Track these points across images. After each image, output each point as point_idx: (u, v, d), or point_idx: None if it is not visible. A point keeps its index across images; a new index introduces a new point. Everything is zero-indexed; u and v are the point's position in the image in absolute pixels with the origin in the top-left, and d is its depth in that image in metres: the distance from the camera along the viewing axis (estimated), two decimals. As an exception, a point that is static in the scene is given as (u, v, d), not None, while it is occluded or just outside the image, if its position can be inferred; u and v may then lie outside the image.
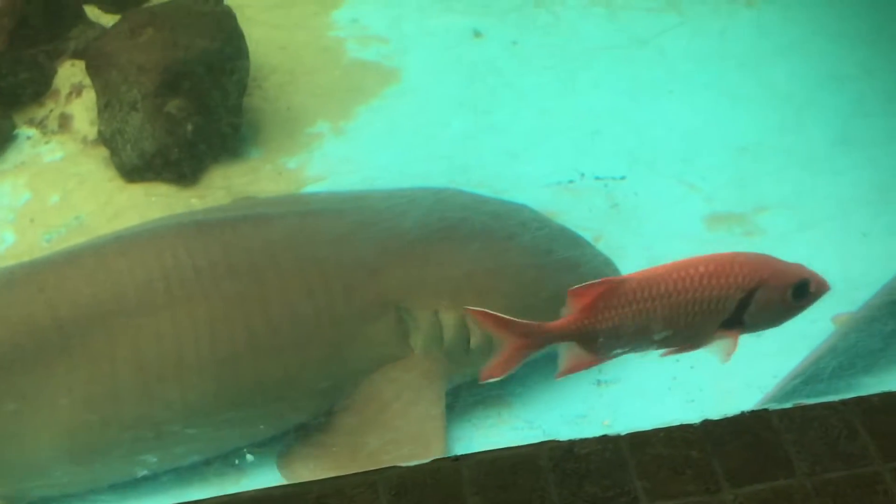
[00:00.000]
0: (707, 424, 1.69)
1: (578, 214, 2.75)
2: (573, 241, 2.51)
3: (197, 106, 2.94)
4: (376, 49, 3.42)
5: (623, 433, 1.74)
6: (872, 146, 2.93)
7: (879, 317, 2.32)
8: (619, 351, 1.74)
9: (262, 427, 2.24)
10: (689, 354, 2.49)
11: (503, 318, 1.66)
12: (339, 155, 3.06)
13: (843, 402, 1.70)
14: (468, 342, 2.28)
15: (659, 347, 1.76)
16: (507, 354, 1.73)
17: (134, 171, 2.96)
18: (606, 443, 1.72)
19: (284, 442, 2.28)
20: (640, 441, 1.73)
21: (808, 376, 2.27)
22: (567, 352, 1.74)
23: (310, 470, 2.17)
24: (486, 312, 1.66)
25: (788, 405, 1.73)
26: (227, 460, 2.26)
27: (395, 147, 3.08)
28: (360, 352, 2.24)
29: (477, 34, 3.45)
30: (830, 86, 3.15)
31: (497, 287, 2.32)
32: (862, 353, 2.28)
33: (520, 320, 1.68)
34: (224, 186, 2.97)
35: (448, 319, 2.26)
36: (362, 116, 3.18)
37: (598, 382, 2.46)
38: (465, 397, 2.40)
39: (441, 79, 3.29)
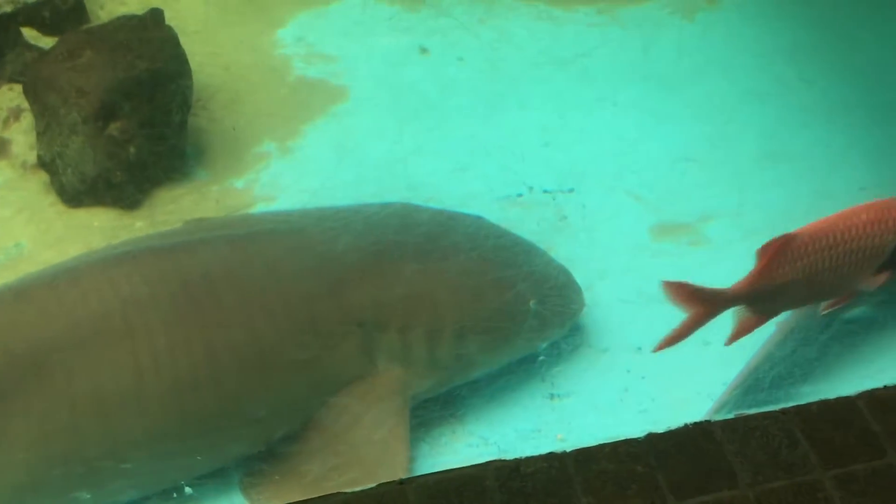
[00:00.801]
0: (652, 438, 1.69)
1: (528, 227, 2.75)
2: (529, 250, 2.52)
3: (140, 127, 2.90)
4: (323, 67, 3.40)
5: (569, 450, 1.74)
6: (799, 159, 2.98)
7: (813, 325, 2.35)
8: (787, 306, 1.86)
9: (226, 453, 2.20)
10: (639, 364, 2.54)
11: (694, 288, 1.82)
12: (288, 174, 3.03)
13: (784, 412, 1.72)
14: (432, 357, 2.28)
15: (824, 298, 1.82)
16: (688, 323, 1.93)
17: (76, 196, 2.90)
18: (552, 460, 1.71)
19: (248, 467, 2.24)
20: (585, 457, 1.74)
21: (749, 386, 2.29)
22: (737, 315, 1.89)
23: (273, 496, 2.14)
24: (682, 284, 1.75)
25: (730, 416, 1.75)
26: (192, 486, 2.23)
27: (344, 164, 3.06)
28: (324, 373, 2.22)
29: (423, 51, 3.46)
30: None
31: (458, 299, 2.31)
32: (799, 362, 2.32)
33: (705, 288, 1.86)
34: (170, 209, 2.93)
35: (412, 335, 2.25)
36: (310, 135, 3.16)
37: (552, 396, 2.46)
38: (419, 415, 2.39)
39: (388, 95, 3.28)
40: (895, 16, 3.50)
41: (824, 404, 1.73)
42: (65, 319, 2.07)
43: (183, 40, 3.12)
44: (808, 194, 2.88)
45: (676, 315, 2.60)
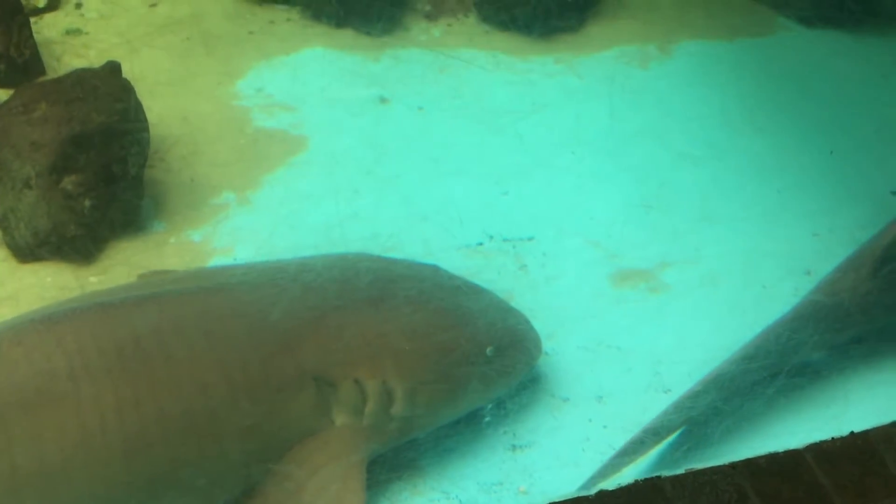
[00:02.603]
0: (602, 495, 1.66)
1: (488, 276, 2.75)
2: (486, 298, 2.51)
3: (95, 181, 2.86)
4: (282, 117, 3.40)
5: None
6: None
7: (759, 380, 2.37)
8: None
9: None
10: (601, 413, 2.52)
11: None
12: (246, 225, 3.00)
13: (733, 466, 1.70)
14: (390, 409, 2.24)
15: None
16: None
17: (28, 251, 2.85)
18: None
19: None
20: None
21: (697, 440, 2.28)
22: None
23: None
24: None
25: (680, 471, 1.72)
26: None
27: (304, 215, 3.04)
28: (279, 428, 2.17)
29: (383, 100, 3.48)
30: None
31: (415, 349, 2.29)
32: (748, 416, 2.34)
33: None
34: (126, 263, 2.88)
35: (368, 388, 2.21)
36: (269, 185, 3.14)
37: (513, 447, 2.43)
38: (378, 470, 2.34)
39: (348, 145, 3.29)
40: (850, 72, 3.60)
41: (773, 458, 1.71)
42: (6, 379, 2.01)
43: (141, 92, 3.12)
44: (768, 237, 2.92)
45: (638, 363, 2.62)
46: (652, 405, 2.48)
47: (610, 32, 3.75)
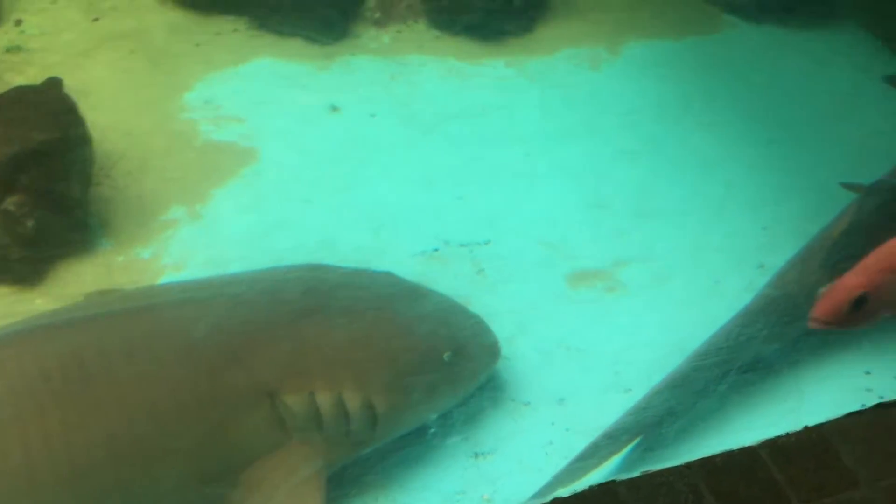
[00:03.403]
0: (557, 503, 1.64)
1: (445, 282, 2.72)
2: (442, 303, 2.48)
3: (38, 201, 2.78)
4: (231, 129, 3.34)
5: None
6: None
7: (712, 378, 2.36)
8: None
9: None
10: (562, 415, 2.51)
11: None
12: (197, 240, 2.94)
13: (688, 466, 1.69)
14: (347, 421, 2.20)
15: None
16: None
17: (-30, 275, 2.76)
18: None
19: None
20: None
21: (652, 441, 2.27)
22: None
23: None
24: None
25: (636, 473, 1.71)
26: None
27: (256, 227, 2.99)
28: (234, 447, 2.12)
29: (334, 109, 3.44)
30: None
31: (370, 358, 2.25)
32: (702, 415, 2.33)
33: None
34: (72, 283, 2.80)
35: (324, 400, 2.17)
36: (219, 199, 3.08)
37: (475, 455, 2.40)
38: (337, 484, 2.30)
39: (300, 155, 3.24)
40: (795, 67, 3.64)
41: (728, 456, 1.71)
42: None
43: (84, 108, 3.04)
44: (720, 233, 2.93)
45: (597, 364, 2.61)
46: (613, 405, 2.47)
47: (560, 34, 3.76)
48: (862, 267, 1.86)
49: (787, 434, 1.74)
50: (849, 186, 2.72)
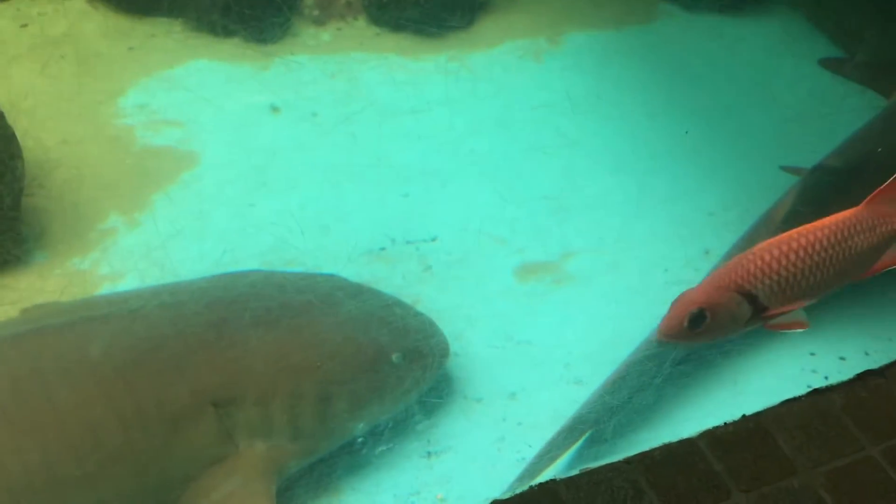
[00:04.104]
0: None
1: (393, 281, 2.70)
2: (388, 303, 2.44)
3: (-35, 214, 2.68)
4: (169, 133, 3.26)
5: None
6: (654, 188, 3.05)
7: (645, 370, 2.37)
8: None
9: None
10: (514, 410, 2.49)
11: None
12: (137, 248, 2.86)
13: (628, 461, 1.68)
14: (296, 427, 2.15)
15: None
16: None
17: None
18: None
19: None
20: None
21: (590, 438, 2.28)
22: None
23: None
24: None
25: (575, 472, 1.69)
26: None
27: (198, 233, 2.92)
28: (179, 460, 2.06)
29: (274, 109, 3.38)
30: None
31: (318, 360, 2.20)
32: (638, 408, 2.33)
33: None
34: (6, 298, 2.70)
35: (271, 406, 2.12)
36: (159, 205, 3.00)
37: (428, 454, 2.38)
38: (289, 492, 2.25)
39: (241, 158, 3.18)
40: (730, 54, 3.68)
41: (667, 449, 1.70)
42: None
43: (14, 117, 2.93)
44: (666, 220, 2.95)
45: (547, 357, 2.60)
46: (564, 398, 2.47)
47: (501, 28, 3.75)
48: (704, 282, 1.78)
49: (726, 424, 1.73)
50: (789, 169, 2.75)
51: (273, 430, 2.12)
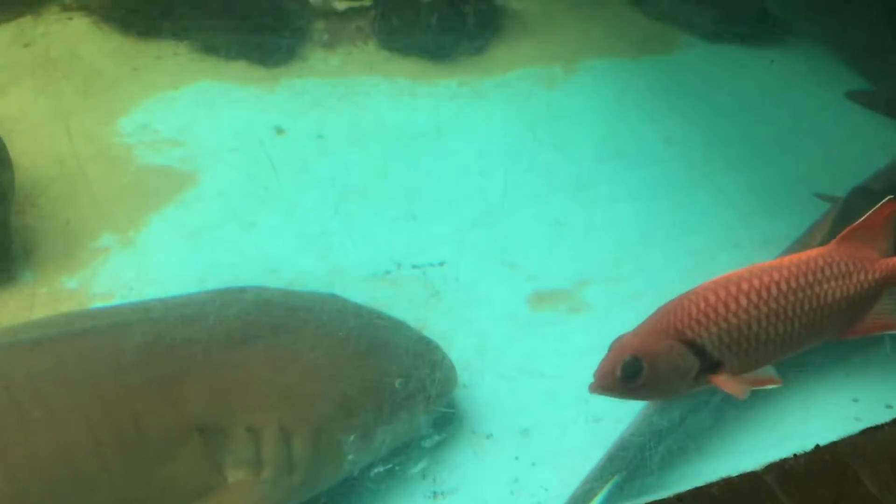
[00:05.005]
0: None
1: (398, 306, 2.52)
2: (391, 326, 2.29)
3: (-48, 228, 2.55)
4: (169, 153, 3.14)
5: None
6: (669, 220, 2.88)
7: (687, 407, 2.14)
8: None
9: None
10: (528, 448, 2.31)
11: None
12: (129, 268, 2.72)
13: (679, 498, 1.44)
14: (291, 458, 1.97)
15: None
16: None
17: None
18: None
19: None
20: None
21: (634, 468, 2.05)
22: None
23: None
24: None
25: None
26: None
27: (195, 253, 2.78)
28: (161, 491, 1.87)
29: (279, 131, 3.26)
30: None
31: (314, 387, 2.03)
32: (691, 433, 2.07)
33: None
34: (-9, 316, 2.56)
35: (264, 435, 1.94)
36: (155, 224, 2.87)
37: (434, 494, 2.19)
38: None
39: (242, 179, 3.05)
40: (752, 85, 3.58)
41: (727, 484, 1.45)
42: None
43: (11, 135, 2.86)
44: (686, 251, 2.80)
45: (563, 390, 2.42)
46: (582, 435, 2.28)
47: (513, 54, 3.65)
48: (640, 326, 1.46)
49: (796, 456, 1.49)
50: (823, 197, 2.61)
51: (265, 462, 1.94)
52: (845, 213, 2.40)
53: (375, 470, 2.16)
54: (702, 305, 1.43)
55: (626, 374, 1.42)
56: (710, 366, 1.42)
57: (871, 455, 1.49)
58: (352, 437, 2.03)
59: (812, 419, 2.30)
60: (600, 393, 1.46)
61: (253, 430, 1.93)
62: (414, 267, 2.71)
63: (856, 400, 2.36)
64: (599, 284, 2.68)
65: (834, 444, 1.51)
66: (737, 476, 1.49)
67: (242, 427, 1.92)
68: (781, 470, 1.48)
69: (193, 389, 1.89)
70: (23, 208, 2.88)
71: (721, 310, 1.41)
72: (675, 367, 1.41)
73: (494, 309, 2.59)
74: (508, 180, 3.04)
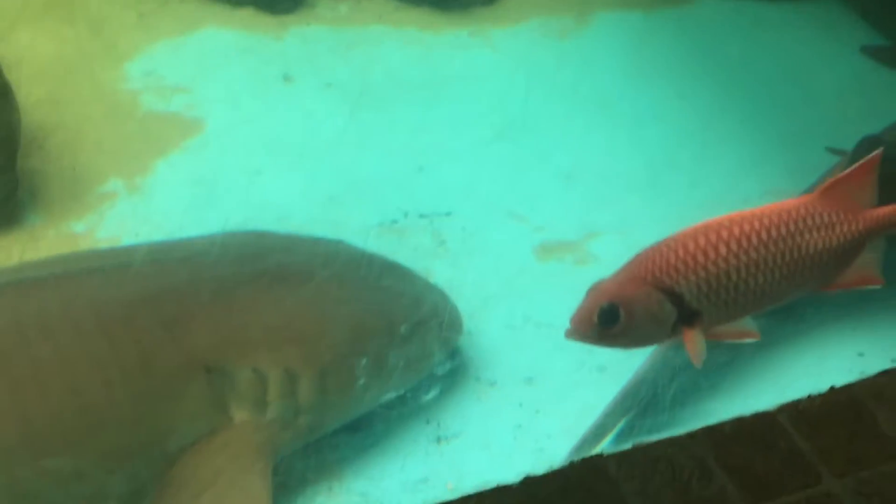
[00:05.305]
0: (529, 483, 1.38)
1: (404, 254, 2.51)
2: (397, 272, 2.28)
3: (-44, 170, 2.54)
4: (176, 100, 3.11)
5: None
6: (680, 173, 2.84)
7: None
8: None
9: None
10: (532, 396, 2.32)
11: None
12: (136, 213, 2.71)
13: (691, 436, 1.43)
14: (296, 400, 1.98)
15: None
16: None
17: None
18: None
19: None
20: None
21: (645, 406, 2.05)
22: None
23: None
24: None
25: (627, 446, 1.46)
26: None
27: (201, 199, 2.77)
28: (167, 429, 1.89)
29: (287, 79, 3.23)
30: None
31: (321, 329, 2.04)
32: (705, 371, 2.06)
33: None
34: (-3, 259, 2.56)
35: (269, 376, 1.94)
36: (161, 170, 2.86)
37: (438, 439, 2.20)
38: (286, 471, 2.08)
39: (249, 126, 3.03)
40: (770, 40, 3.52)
41: (740, 423, 1.43)
42: None
43: (15, 77, 2.81)
44: (695, 204, 2.77)
45: (568, 341, 2.42)
46: (586, 385, 2.29)
47: (526, 4, 3.57)
48: (617, 272, 1.44)
49: (811, 397, 1.47)
50: (835, 151, 2.57)
51: (270, 402, 1.95)
52: (852, 164, 2.37)
53: (380, 414, 2.18)
54: (680, 253, 1.39)
55: (603, 320, 1.38)
56: (689, 315, 1.39)
57: (888, 396, 1.47)
58: (357, 381, 2.04)
59: (814, 375, 2.30)
60: (576, 339, 1.42)
61: (259, 372, 1.94)
62: (421, 216, 2.69)
63: (861, 354, 2.36)
64: (607, 236, 2.66)
65: (850, 386, 1.50)
66: (749, 415, 1.48)
67: (248, 368, 1.92)
68: (795, 410, 1.46)
69: (200, 329, 1.90)
70: (28, 152, 2.87)
71: (700, 258, 1.38)
72: (653, 314, 1.37)
73: (501, 259, 2.58)
74: (516, 131, 3.01)
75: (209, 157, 2.90)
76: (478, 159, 2.93)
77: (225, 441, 1.92)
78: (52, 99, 3.07)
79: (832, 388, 1.50)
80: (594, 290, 1.43)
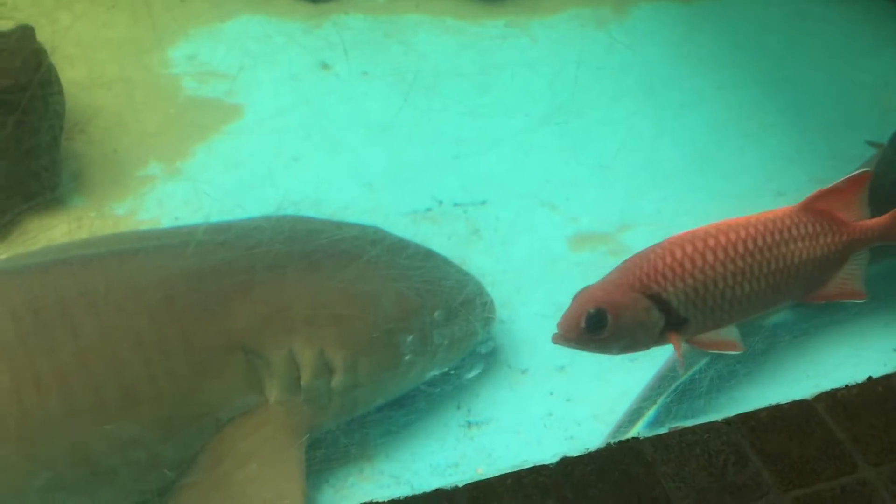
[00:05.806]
0: (566, 464, 1.40)
1: (438, 242, 2.54)
2: (432, 259, 2.30)
3: (3, 150, 2.60)
4: (216, 85, 3.16)
5: (461, 484, 1.44)
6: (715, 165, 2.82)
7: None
8: None
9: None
10: (563, 385, 2.32)
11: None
12: (176, 196, 2.76)
13: (728, 422, 1.43)
14: (330, 382, 2.01)
15: None
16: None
17: (-71, 227, 2.58)
18: (441, 499, 1.42)
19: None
20: (481, 493, 1.43)
21: (682, 391, 2.05)
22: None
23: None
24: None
25: (663, 430, 1.46)
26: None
27: (239, 184, 2.81)
28: (204, 408, 1.93)
29: (325, 66, 3.26)
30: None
31: (356, 314, 2.06)
32: (742, 358, 2.05)
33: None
34: (40, 239, 2.62)
35: (305, 358, 1.98)
36: (201, 155, 2.90)
37: (469, 424, 2.22)
38: (319, 452, 2.11)
39: (287, 113, 3.06)
40: (811, 32, 3.48)
41: (776, 411, 1.44)
42: None
43: (61, 60, 2.87)
44: (730, 196, 2.76)
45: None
46: (618, 375, 2.29)
47: (564, -5, 3.59)
48: (605, 278, 1.46)
49: (848, 386, 1.47)
50: (875, 144, 2.54)
51: (305, 384, 1.99)
52: (887, 157, 2.35)
53: (411, 398, 2.20)
54: (668, 260, 1.41)
55: (590, 325, 1.40)
56: (676, 322, 1.40)
57: (925, 388, 1.47)
58: (389, 365, 2.07)
59: (850, 366, 2.27)
60: (563, 344, 1.43)
61: (294, 354, 1.97)
62: (455, 205, 2.71)
63: (897, 350, 2.34)
64: (640, 228, 2.65)
65: (887, 377, 1.49)
66: (786, 403, 1.47)
67: (285, 349, 1.96)
68: (833, 399, 1.46)
69: (238, 310, 1.93)
70: (71, 135, 2.93)
71: (687, 265, 1.40)
72: (640, 321, 1.39)
73: (535, 248, 2.59)
74: (554, 122, 3.01)
75: (248, 143, 2.94)
76: (513, 149, 2.93)
77: (260, 420, 1.96)
78: (95, 83, 3.13)
79: (869, 379, 1.49)
80: (582, 295, 1.45)
